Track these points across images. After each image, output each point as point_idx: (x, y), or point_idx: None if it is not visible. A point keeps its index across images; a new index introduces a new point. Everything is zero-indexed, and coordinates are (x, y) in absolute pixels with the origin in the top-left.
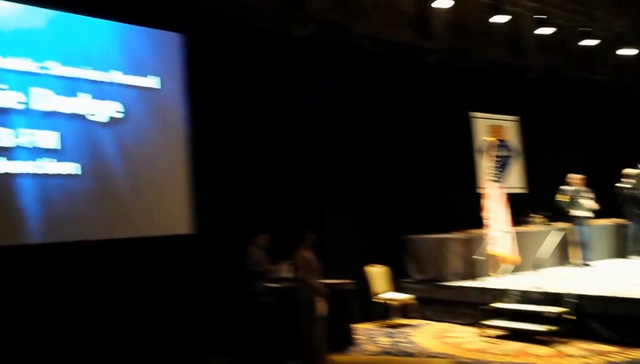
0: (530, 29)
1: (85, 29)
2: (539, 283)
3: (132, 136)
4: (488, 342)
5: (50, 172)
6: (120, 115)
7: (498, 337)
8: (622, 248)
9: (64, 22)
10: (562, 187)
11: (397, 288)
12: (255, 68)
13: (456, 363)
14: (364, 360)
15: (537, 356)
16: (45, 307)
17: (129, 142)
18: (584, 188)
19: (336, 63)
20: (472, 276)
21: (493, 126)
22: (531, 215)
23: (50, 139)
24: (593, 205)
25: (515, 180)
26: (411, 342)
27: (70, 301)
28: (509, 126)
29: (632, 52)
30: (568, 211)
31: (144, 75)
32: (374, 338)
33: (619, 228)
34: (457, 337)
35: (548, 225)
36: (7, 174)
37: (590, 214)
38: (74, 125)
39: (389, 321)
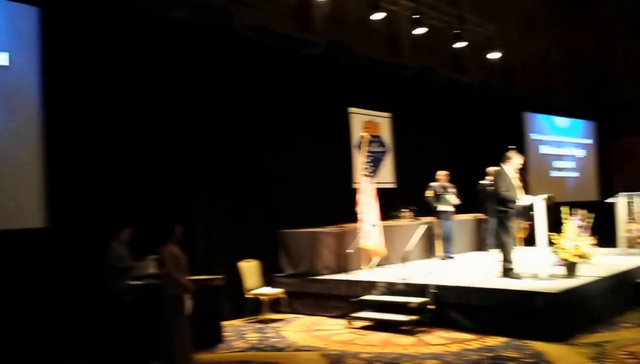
0: (406, 28)
1: None
2: (405, 275)
3: None
4: (355, 333)
5: None
6: None
7: (365, 328)
8: (482, 241)
9: None
10: (430, 184)
11: (270, 283)
12: (122, 50)
13: (323, 355)
14: (232, 358)
15: (400, 345)
16: None
17: None
18: (448, 184)
19: (211, 50)
20: (345, 269)
21: (368, 122)
22: (402, 209)
23: None
24: (455, 200)
25: (387, 175)
26: (281, 337)
27: None
28: (383, 122)
29: (498, 55)
30: (435, 206)
31: None
32: (243, 334)
33: (480, 222)
34: (326, 330)
35: (415, 219)
36: None
37: (452, 209)
38: None
39: (260, 317)
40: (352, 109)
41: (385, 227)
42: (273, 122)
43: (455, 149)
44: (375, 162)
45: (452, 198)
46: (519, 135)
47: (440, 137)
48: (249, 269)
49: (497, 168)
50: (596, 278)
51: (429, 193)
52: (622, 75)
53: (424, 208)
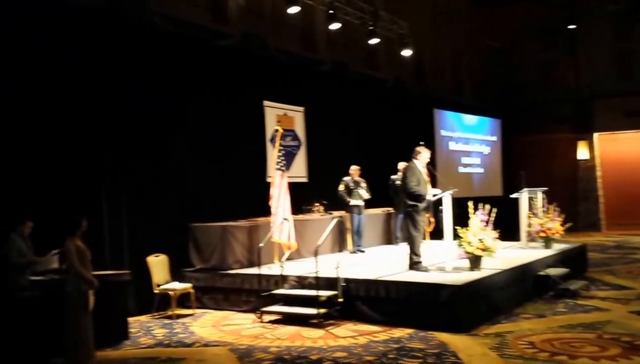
0: (322, 23)
1: None
2: (315, 268)
3: None
4: (265, 328)
5: None
6: None
7: (275, 322)
8: (392, 235)
9: None
10: (343, 178)
11: (179, 277)
12: (30, 38)
13: (231, 350)
14: (137, 354)
15: (309, 338)
16: None
17: None
18: (359, 179)
19: (123, 39)
20: (256, 263)
21: (282, 116)
22: (315, 203)
23: None
24: (366, 194)
25: (299, 169)
26: (189, 332)
27: None
28: (296, 116)
29: (410, 53)
30: (347, 201)
31: None
32: (150, 330)
33: (390, 216)
34: (235, 324)
35: (327, 213)
36: None
37: (362, 203)
38: None
39: (168, 312)
40: (267, 103)
41: (296, 221)
42: (185, 114)
43: (367, 144)
44: (288, 156)
45: (364, 193)
46: (430, 131)
47: (353, 132)
48: (157, 263)
49: (407, 163)
50: (499, 271)
51: (341, 188)
52: (527, 76)
53: (336, 202)
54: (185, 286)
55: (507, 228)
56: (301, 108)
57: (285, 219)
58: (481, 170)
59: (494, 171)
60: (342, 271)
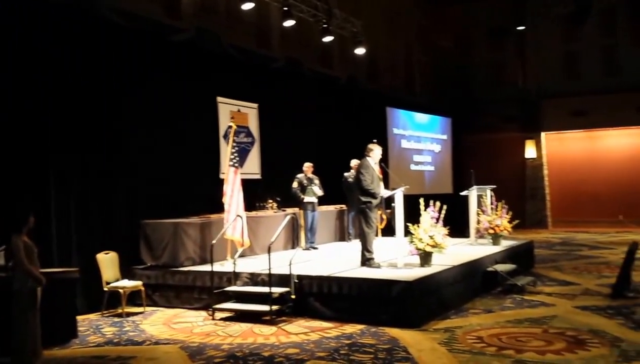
0: (276, 20)
1: None
2: (268, 265)
3: None
4: (217, 325)
5: None
6: None
7: (227, 319)
8: (345, 232)
9: None
10: (297, 175)
11: (130, 275)
12: None
13: (182, 348)
14: (85, 353)
15: (262, 335)
16: None
17: None
18: (313, 176)
19: (74, 33)
20: (209, 260)
21: (235, 112)
22: (269, 200)
23: None
24: (319, 191)
25: (252, 166)
26: (139, 330)
27: None
28: (250, 113)
29: (363, 51)
30: (301, 198)
31: None
32: (100, 328)
33: (343, 213)
34: (187, 322)
35: (280, 210)
36: None
37: (316, 200)
38: None
39: (118, 310)
40: (220, 99)
41: (249, 218)
42: (137, 109)
43: (321, 141)
44: (242, 153)
45: (317, 190)
46: (383, 129)
47: (307, 129)
48: (107, 261)
49: (360, 160)
50: (449, 267)
51: (294, 185)
52: (476, 75)
53: (289, 199)
54: (136, 283)
55: (457, 225)
56: (255, 105)
57: (239, 216)
58: (432, 168)
59: (444, 169)
60: (294, 268)
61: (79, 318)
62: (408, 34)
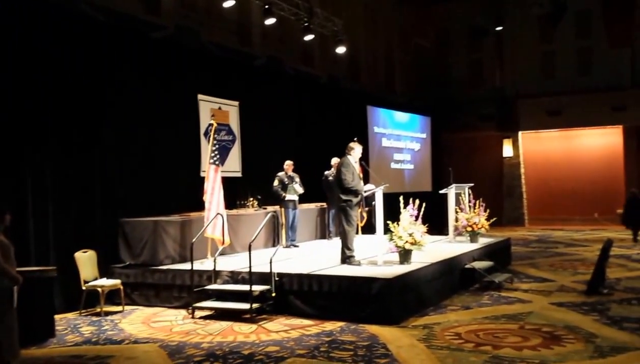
0: (257, 17)
1: None
2: (248, 263)
3: None
4: (197, 324)
5: None
6: None
7: (207, 318)
8: (325, 230)
9: None
10: (278, 173)
11: (108, 274)
12: None
13: (162, 347)
14: (63, 352)
15: (242, 333)
16: None
17: None
18: (293, 174)
19: (50, 28)
20: (189, 259)
21: (216, 110)
22: (249, 198)
23: None
24: (300, 189)
25: (233, 164)
26: (118, 329)
27: None
28: (231, 110)
29: (344, 50)
30: (282, 196)
31: None
32: (78, 327)
33: (323, 211)
34: (166, 321)
35: (260, 208)
36: None
37: (297, 197)
38: None
39: (97, 309)
40: (201, 96)
41: (230, 216)
42: (116, 106)
43: (301, 139)
44: (222, 151)
45: (298, 187)
46: (364, 127)
47: (288, 127)
48: (85, 259)
49: (341, 158)
50: (427, 264)
51: (275, 183)
52: (455, 75)
53: (270, 197)
54: (114, 282)
55: (436, 223)
56: (236, 103)
57: (219, 214)
58: (412, 166)
59: (424, 167)
60: (275, 266)
61: (56, 317)
62: (388, 34)
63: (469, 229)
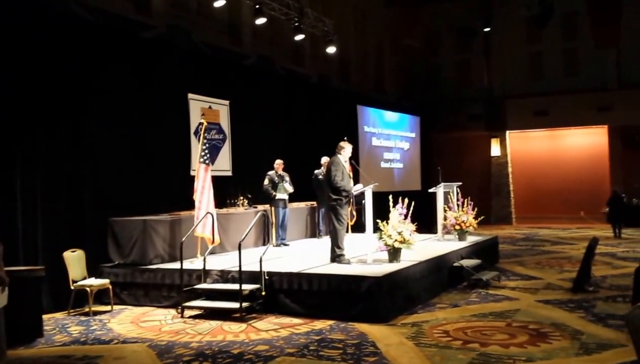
0: (248, 17)
1: None
2: (239, 262)
3: None
4: (186, 323)
5: None
6: None
7: (196, 317)
8: (316, 228)
9: None
10: (268, 172)
11: (97, 273)
12: None
13: (151, 346)
14: (51, 352)
15: (231, 332)
16: None
17: None
18: (283, 173)
19: (40, 28)
20: (179, 258)
21: (206, 109)
22: (240, 197)
23: None
24: (290, 188)
25: (223, 163)
26: (107, 329)
27: None
28: (221, 110)
29: (334, 50)
30: (273, 195)
31: None
32: (66, 327)
33: (313, 210)
34: (156, 320)
35: (250, 207)
36: None
37: (287, 196)
38: None
39: (85, 309)
40: (191, 95)
41: (220, 215)
42: (107, 105)
43: (292, 138)
44: (213, 150)
45: (288, 186)
46: (354, 127)
47: (278, 127)
48: (74, 259)
49: (331, 157)
50: (416, 263)
51: (266, 182)
52: (444, 75)
53: (260, 196)
54: (103, 282)
55: (425, 221)
56: (226, 102)
57: (209, 213)
58: (401, 166)
59: (413, 166)
60: (265, 265)
61: (44, 317)
62: (378, 34)
63: (458, 227)
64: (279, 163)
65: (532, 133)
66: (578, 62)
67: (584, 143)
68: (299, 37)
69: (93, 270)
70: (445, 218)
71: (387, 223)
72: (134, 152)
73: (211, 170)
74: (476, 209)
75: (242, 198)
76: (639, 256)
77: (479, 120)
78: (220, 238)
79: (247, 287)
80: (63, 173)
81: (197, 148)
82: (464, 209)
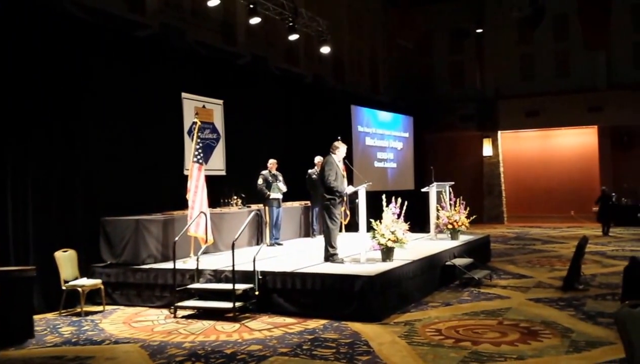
0: (242, 17)
1: None
2: (232, 262)
3: None
4: (179, 323)
5: None
6: None
7: (189, 317)
8: (309, 228)
9: None
10: (262, 172)
11: (89, 273)
12: None
13: (143, 347)
14: (42, 353)
15: (224, 332)
16: None
17: None
18: (276, 172)
19: (33, 26)
20: (171, 258)
21: (200, 108)
22: (233, 196)
23: None
24: (284, 187)
25: (217, 162)
26: (98, 329)
27: None
28: (215, 109)
29: (328, 50)
30: (267, 194)
31: None
32: (58, 328)
33: (307, 209)
34: (148, 321)
35: (244, 206)
36: None
37: (281, 196)
38: None
39: (77, 310)
40: (185, 95)
41: (214, 214)
42: (100, 104)
43: (285, 138)
44: (206, 149)
45: (282, 186)
46: (348, 127)
47: (272, 126)
48: (65, 259)
49: (324, 157)
50: (409, 262)
51: (260, 181)
52: (437, 75)
53: (253, 196)
54: (95, 282)
55: (418, 220)
56: (220, 101)
57: (203, 212)
58: (394, 165)
59: (406, 166)
60: (258, 264)
61: (35, 317)
62: (372, 34)
63: (450, 226)
64: (272, 162)
65: (523, 134)
66: (569, 63)
67: (574, 143)
68: (294, 37)
69: (85, 269)
70: (437, 218)
71: (381, 222)
72: (126, 150)
73: (205, 170)
74: (468, 208)
75: (235, 197)
76: (628, 254)
77: (471, 120)
78: (213, 238)
79: (241, 287)
80: (54, 171)
81: (190, 147)
82: (456, 208)
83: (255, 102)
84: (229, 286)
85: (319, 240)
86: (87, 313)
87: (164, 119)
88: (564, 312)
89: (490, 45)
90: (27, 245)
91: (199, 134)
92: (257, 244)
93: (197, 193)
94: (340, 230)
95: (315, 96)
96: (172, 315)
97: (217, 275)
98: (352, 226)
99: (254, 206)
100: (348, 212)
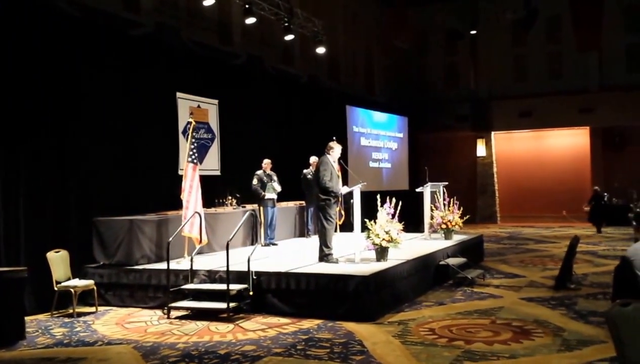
0: (238, 16)
1: None
2: (226, 262)
3: None
4: (172, 324)
5: None
6: None
7: (183, 318)
8: (304, 228)
9: None
10: (257, 172)
11: (81, 274)
12: None
13: (136, 348)
14: (33, 355)
15: (218, 333)
16: None
17: None
18: (271, 172)
19: (25, 24)
20: (165, 258)
21: (195, 108)
22: (228, 196)
23: None
24: (278, 187)
25: (212, 162)
26: (91, 330)
27: None
28: (210, 109)
29: (324, 50)
30: (262, 194)
31: None
32: (49, 329)
33: (302, 209)
34: (141, 321)
35: (239, 206)
36: None
37: (276, 196)
38: None
39: (69, 311)
40: (180, 94)
41: (208, 214)
42: (94, 103)
43: (280, 138)
44: (201, 149)
45: (277, 186)
46: (343, 127)
47: (267, 126)
48: (57, 259)
49: (319, 157)
50: (403, 261)
51: (255, 182)
52: (431, 76)
53: (249, 196)
54: (88, 283)
55: (412, 220)
56: (215, 101)
57: (197, 213)
58: (389, 165)
59: (401, 166)
60: (253, 265)
61: (27, 318)
62: (368, 35)
63: (444, 226)
64: (267, 162)
65: (516, 134)
66: (561, 65)
67: (567, 143)
68: (289, 37)
69: (77, 270)
70: (432, 217)
71: (375, 222)
72: (121, 150)
73: (199, 170)
74: (462, 208)
75: (230, 197)
76: (619, 254)
77: (465, 120)
78: (208, 238)
79: (235, 287)
80: (47, 171)
81: (185, 147)
82: (450, 208)
83: (250, 102)
84: (223, 286)
85: (314, 240)
86: (80, 314)
87: (158, 119)
88: (555, 311)
89: (484, 46)
90: (19, 245)
91: (194, 134)
92: (252, 244)
93: (191, 193)
94: (335, 230)
95: (311, 96)
96: (166, 316)
97: (211, 276)
98: (347, 226)
99: (249, 207)
100: (343, 212)
